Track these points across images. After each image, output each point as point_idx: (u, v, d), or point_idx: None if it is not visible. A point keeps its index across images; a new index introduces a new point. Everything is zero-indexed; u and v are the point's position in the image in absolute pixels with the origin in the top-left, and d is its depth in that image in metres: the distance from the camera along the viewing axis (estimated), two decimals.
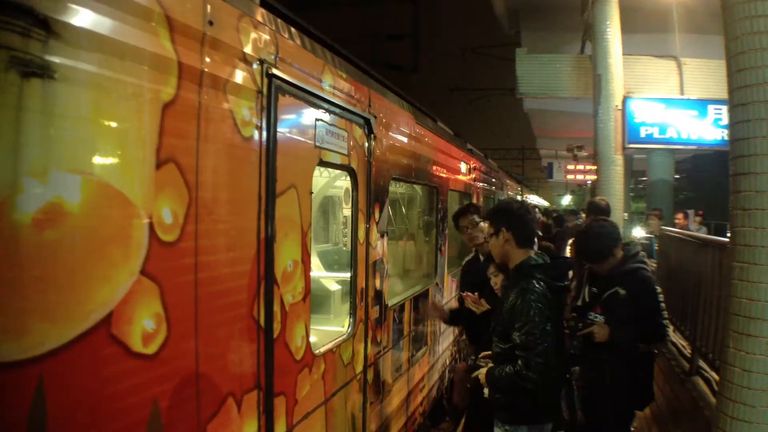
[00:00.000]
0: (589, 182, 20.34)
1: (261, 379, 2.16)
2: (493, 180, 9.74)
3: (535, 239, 2.86)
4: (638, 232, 9.04)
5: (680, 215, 8.93)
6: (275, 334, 2.24)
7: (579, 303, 3.59)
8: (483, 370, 2.76)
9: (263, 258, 2.16)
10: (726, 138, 5.72)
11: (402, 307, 4.10)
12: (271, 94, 2.20)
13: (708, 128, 9.03)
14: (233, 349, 2.00)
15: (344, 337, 3.03)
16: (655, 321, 3.23)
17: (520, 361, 2.51)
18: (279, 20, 2.42)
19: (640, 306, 3.21)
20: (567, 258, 3.27)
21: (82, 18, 1.39)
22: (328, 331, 3.26)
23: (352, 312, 3.16)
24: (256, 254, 2.12)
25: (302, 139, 2.51)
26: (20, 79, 1.26)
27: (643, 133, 9.03)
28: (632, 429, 4.96)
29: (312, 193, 2.63)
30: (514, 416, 2.71)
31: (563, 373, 2.83)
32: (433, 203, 5.39)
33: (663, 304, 3.29)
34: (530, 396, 2.57)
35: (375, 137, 3.35)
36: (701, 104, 9.04)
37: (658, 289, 3.32)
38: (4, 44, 1.24)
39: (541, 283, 2.62)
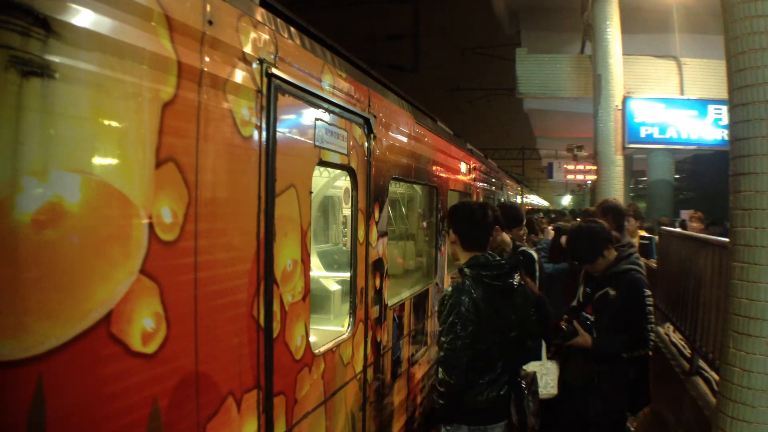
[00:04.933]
0: (589, 182, 20.35)
1: (261, 378, 2.16)
2: (493, 180, 9.74)
3: (485, 242, 2.84)
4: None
5: (693, 218, 7.58)
6: (275, 334, 2.25)
7: (574, 303, 3.60)
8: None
9: (263, 257, 2.15)
10: (726, 138, 5.73)
11: (402, 307, 4.10)
12: (271, 93, 2.20)
13: (708, 128, 9.05)
14: (233, 349, 2.00)
15: (344, 336, 3.03)
16: (639, 325, 3.20)
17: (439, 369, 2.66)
18: (278, 20, 2.41)
19: (627, 308, 3.20)
20: (513, 257, 3.13)
21: (82, 17, 1.39)
22: (327, 331, 3.25)
23: (352, 312, 3.17)
24: (256, 253, 2.12)
25: (302, 139, 2.51)
26: (20, 78, 1.26)
27: (643, 133, 9.04)
28: (632, 429, 4.96)
29: (312, 192, 2.63)
30: (447, 415, 2.76)
31: (510, 375, 2.79)
32: (433, 203, 5.38)
33: (650, 308, 3.26)
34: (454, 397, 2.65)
35: (375, 137, 3.35)
36: (701, 104, 9.05)
37: (648, 292, 3.29)
38: (4, 43, 1.24)
39: (468, 282, 2.65)
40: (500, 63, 17.04)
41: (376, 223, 3.49)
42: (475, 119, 28.84)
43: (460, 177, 6.45)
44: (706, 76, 9.32)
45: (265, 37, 2.22)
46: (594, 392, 3.24)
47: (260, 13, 2.24)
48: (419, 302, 4.64)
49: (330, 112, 2.76)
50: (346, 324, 3.17)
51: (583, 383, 3.30)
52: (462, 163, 6.63)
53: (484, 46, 19.58)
